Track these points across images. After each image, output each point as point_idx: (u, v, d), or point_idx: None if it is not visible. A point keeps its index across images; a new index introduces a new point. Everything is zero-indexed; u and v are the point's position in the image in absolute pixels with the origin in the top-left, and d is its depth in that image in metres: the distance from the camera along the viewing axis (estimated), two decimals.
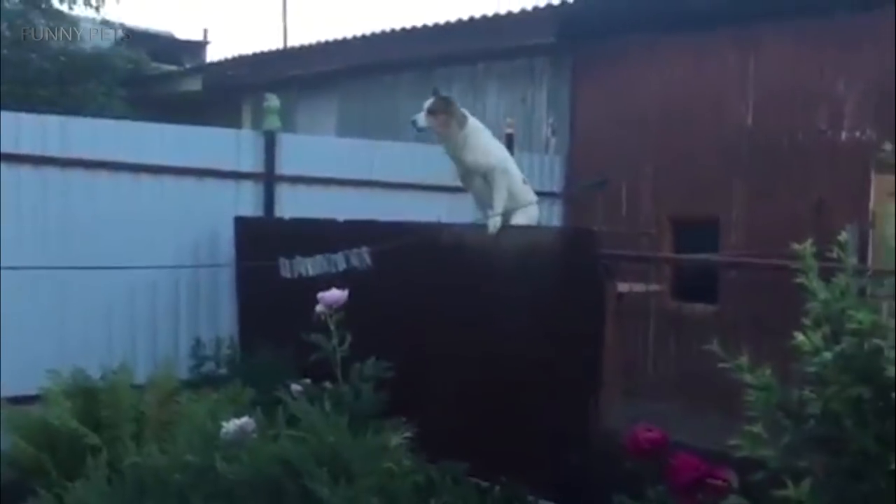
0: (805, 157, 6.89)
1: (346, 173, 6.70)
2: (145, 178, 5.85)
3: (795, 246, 2.55)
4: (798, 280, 2.54)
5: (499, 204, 4.33)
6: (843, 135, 6.74)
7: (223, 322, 6.04)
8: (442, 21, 9.00)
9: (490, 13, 8.49)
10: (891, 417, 2.23)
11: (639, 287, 5.71)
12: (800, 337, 2.38)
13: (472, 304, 4.15)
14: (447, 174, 7.46)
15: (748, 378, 2.47)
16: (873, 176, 6.50)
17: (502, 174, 4.41)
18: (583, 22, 8.01)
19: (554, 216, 8.23)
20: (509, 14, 8.33)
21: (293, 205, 6.38)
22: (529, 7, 8.19)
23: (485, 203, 4.44)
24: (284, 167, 6.38)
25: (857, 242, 6.40)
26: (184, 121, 6.76)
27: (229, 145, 6.23)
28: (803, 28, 6.87)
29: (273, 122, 6.27)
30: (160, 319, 5.91)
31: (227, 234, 6.06)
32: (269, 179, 6.29)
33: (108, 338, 5.65)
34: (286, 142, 6.40)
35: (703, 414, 5.01)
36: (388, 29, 9.38)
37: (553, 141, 8.48)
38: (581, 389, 3.87)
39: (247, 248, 5.89)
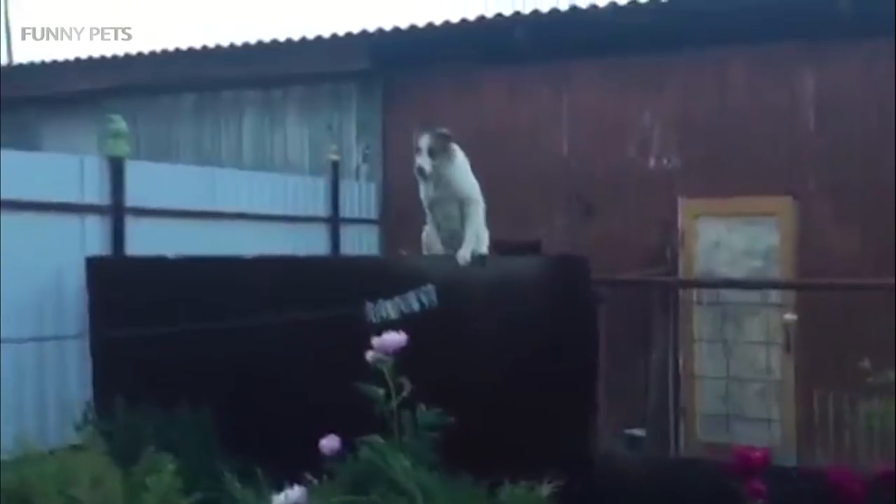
0: (617, 182, 7.59)
1: (197, 204, 6.11)
2: None
3: None
4: None
5: (472, 236, 4.22)
6: (651, 162, 7.54)
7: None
8: (226, 44, 8.53)
9: (296, 37, 8.20)
10: None
11: None
12: None
13: (457, 339, 4.01)
14: (293, 203, 7.22)
15: None
16: (679, 199, 7.36)
17: (479, 206, 4.31)
18: (396, 50, 8.07)
19: (364, 243, 8.15)
20: (317, 39, 8.12)
21: (141, 240, 5.66)
22: (341, 33, 8.05)
23: (452, 232, 4.30)
24: (133, 198, 5.62)
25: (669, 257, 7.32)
26: None
27: (72, 173, 5.35)
28: (611, 65, 7.58)
29: (120, 147, 5.50)
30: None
31: (73, 276, 5.20)
32: (117, 213, 5.50)
33: None
34: (134, 170, 5.65)
35: None
36: (170, 48, 8.64)
37: (364, 168, 8.40)
38: (581, 416, 3.94)
39: (103, 295, 5.11)
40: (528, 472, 3.83)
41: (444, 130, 4.23)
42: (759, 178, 7.10)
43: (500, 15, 7.57)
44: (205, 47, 8.52)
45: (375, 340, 3.18)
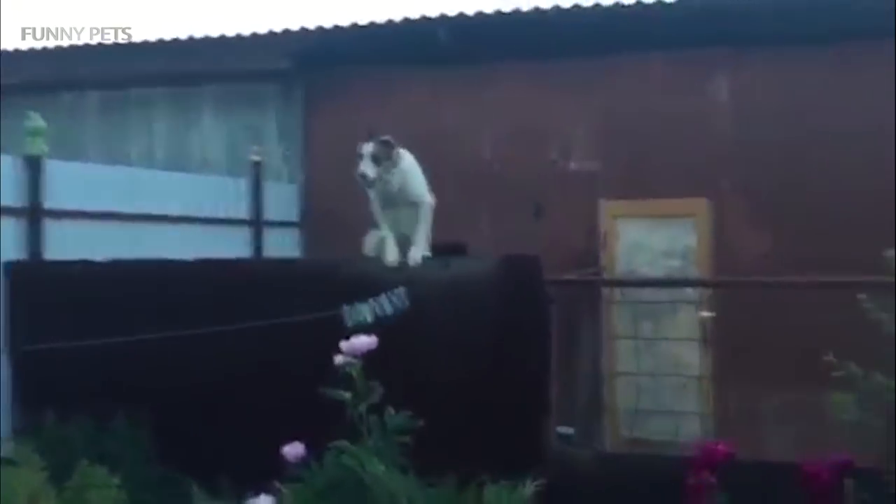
0: (540, 184, 7.70)
1: (116, 205, 5.85)
2: None
3: None
4: None
5: (422, 238, 4.20)
6: (573, 164, 7.68)
7: None
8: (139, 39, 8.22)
9: (214, 34, 7.97)
10: None
11: None
12: None
13: (414, 340, 3.97)
14: (214, 205, 7.00)
15: None
16: (601, 201, 7.53)
17: (430, 210, 4.29)
18: (319, 51, 7.95)
19: (286, 246, 7.99)
20: (237, 37, 7.92)
21: (58, 244, 5.38)
22: (263, 31, 7.87)
23: (403, 235, 4.24)
24: (51, 200, 5.33)
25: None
26: None
27: None
28: (535, 69, 7.68)
29: (38, 146, 5.20)
30: None
31: None
32: (35, 215, 5.20)
33: None
34: (53, 170, 5.36)
35: None
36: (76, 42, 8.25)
37: (285, 170, 8.23)
38: (536, 417, 3.96)
39: (22, 303, 4.83)
40: (485, 471, 3.85)
41: (388, 138, 4.22)
42: (677, 181, 7.33)
43: (425, 16, 7.56)
44: (115, 43, 8.19)
45: (345, 344, 3.12)
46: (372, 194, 4.30)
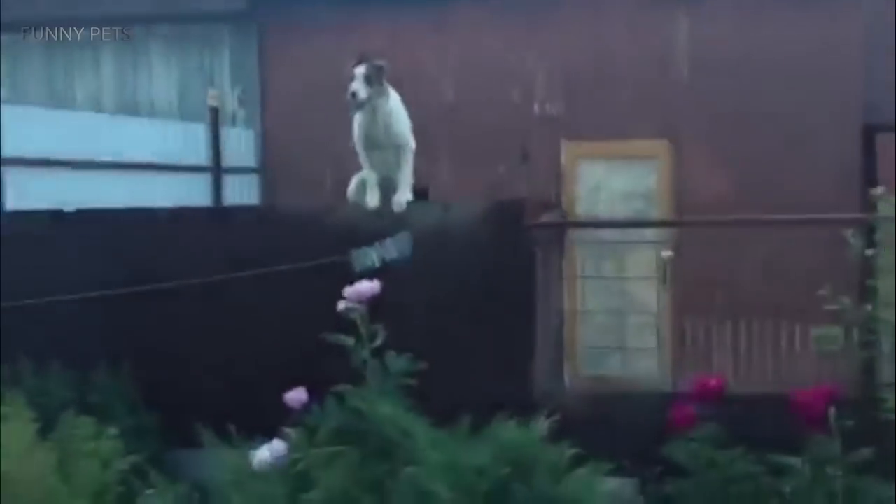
0: (502, 127, 7.68)
1: (72, 152, 5.67)
2: None
3: None
4: None
5: (406, 182, 4.16)
6: (535, 107, 7.69)
7: None
8: None
9: None
10: None
11: None
12: None
13: (404, 286, 3.96)
14: (171, 151, 6.82)
15: None
16: (563, 142, 7.57)
17: (412, 153, 4.23)
18: None
19: (245, 193, 7.85)
20: None
21: (17, 193, 5.20)
22: None
23: (387, 178, 4.20)
24: (10, 147, 5.13)
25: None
26: None
27: None
28: (495, 9, 7.60)
29: None
30: None
31: None
32: None
33: None
34: (11, 115, 5.14)
35: None
36: None
37: (241, 114, 8.04)
38: (521, 360, 4.04)
39: None
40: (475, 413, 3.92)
41: (382, 62, 4.13)
42: (639, 122, 7.40)
43: None
44: None
45: (349, 290, 3.10)
46: (357, 130, 4.21)
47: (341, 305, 3.12)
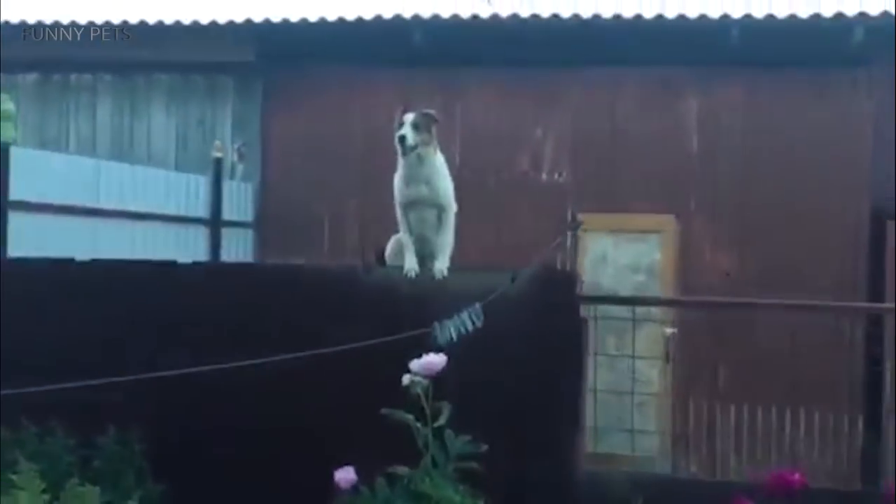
0: (509, 193, 7.58)
1: (86, 199, 5.43)
2: None
3: None
4: None
5: (447, 246, 3.95)
6: (543, 176, 7.60)
7: None
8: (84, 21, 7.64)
9: (168, 20, 7.49)
10: None
11: None
12: None
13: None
14: (172, 202, 6.57)
15: None
16: (570, 213, 7.47)
17: (454, 215, 4.03)
18: (282, 45, 7.60)
19: (240, 248, 7.59)
20: (194, 24, 7.47)
21: (23, 238, 4.91)
22: (222, 20, 7.45)
23: (424, 239, 3.99)
24: (18, 191, 4.85)
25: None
26: None
27: None
28: (508, 77, 7.56)
29: (6, 131, 4.70)
30: None
31: None
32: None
33: None
34: (21, 158, 4.87)
35: None
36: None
37: (240, 167, 7.83)
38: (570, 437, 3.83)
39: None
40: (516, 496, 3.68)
41: (431, 112, 3.98)
42: (646, 197, 7.35)
43: (398, 16, 7.33)
44: (56, 22, 7.59)
45: (416, 363, 2.88)
46: (397, 183, 4.00)
47: (406, 379, 2.89)
